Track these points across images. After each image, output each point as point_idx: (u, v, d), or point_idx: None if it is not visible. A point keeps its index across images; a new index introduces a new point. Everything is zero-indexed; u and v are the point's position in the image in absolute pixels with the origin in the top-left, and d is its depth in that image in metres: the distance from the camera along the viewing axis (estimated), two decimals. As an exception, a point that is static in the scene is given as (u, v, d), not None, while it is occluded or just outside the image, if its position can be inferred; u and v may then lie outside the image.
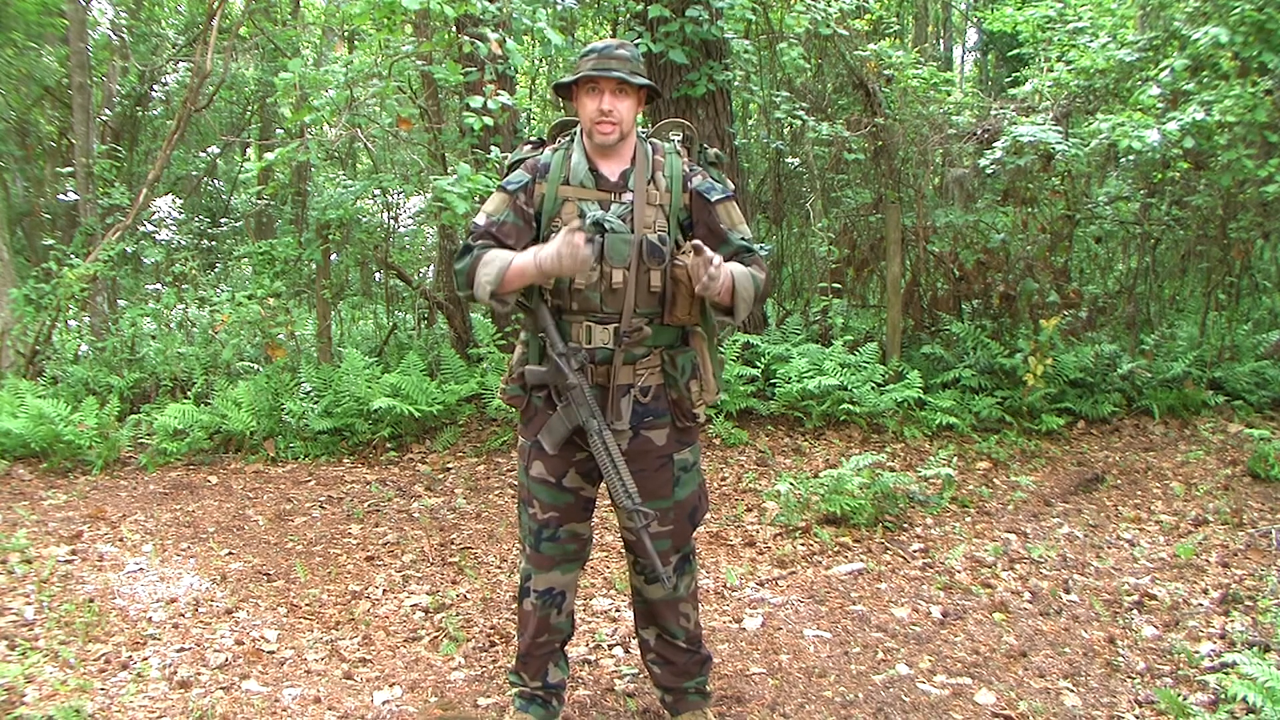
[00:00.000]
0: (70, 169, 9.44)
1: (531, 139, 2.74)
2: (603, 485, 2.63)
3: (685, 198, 2.54)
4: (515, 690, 2.81)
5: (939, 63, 12.22)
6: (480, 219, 2.56)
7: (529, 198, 2.53)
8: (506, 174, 2.65)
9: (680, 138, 2.65)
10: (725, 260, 2.50)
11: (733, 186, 2.71)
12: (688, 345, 2.60)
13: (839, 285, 7.01)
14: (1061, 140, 5.89)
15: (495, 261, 2.42)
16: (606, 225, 2.47)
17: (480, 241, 2.51)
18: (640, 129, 2.63)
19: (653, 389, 2.55)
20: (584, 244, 2.32)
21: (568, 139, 2.62)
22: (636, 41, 6.01)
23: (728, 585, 3.89)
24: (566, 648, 2.84)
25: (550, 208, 2.51)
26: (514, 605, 3.73)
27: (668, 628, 2.73)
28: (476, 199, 5.19)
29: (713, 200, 2.53)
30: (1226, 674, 2.94)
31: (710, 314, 2.62)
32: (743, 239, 2.55)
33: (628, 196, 2.51)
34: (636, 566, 2.70)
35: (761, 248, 2.72)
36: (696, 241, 2.35)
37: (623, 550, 4.23)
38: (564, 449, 2.54)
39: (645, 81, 2.49)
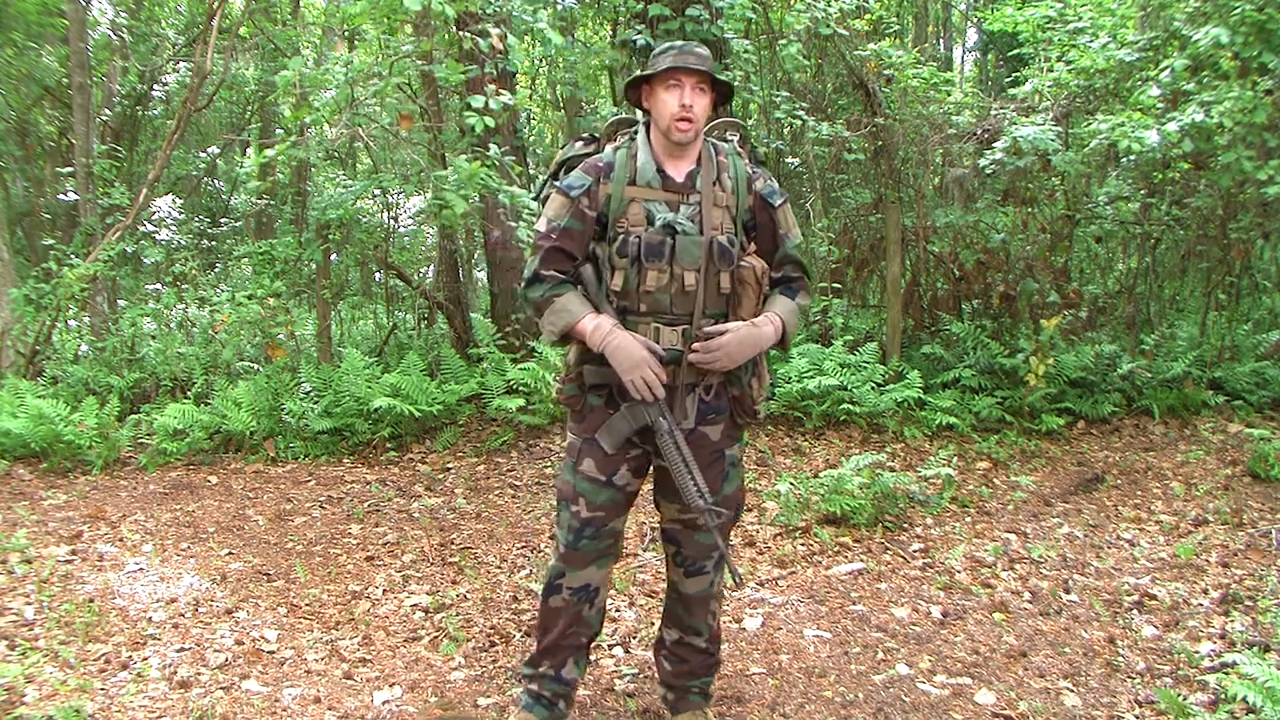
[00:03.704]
0: (70, 169, 9.43)
1: (584, 135, 2.73)
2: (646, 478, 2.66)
3: (750, 199, 2.57)
4: (522, 687, 2.78)
5: (939, 63, 12.22)
6: (542, 225, 2.53)
7: (591, 200, 2.50)
8: (556, 172, 2.63)
9: (737, 138, 2.66)
10: (774, 268, 2.60)
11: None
12: None
13: (839, 285, 7.01)
14: (1060, 149, 5.89)
15: (563, 314, 2.47)
16: (677, 227, 2.47)
17: (550, 271, 2.50)
18: None
19: (714, 386, 2.57)
20: (657, 383, 2.42)
21: (627, 137, 2.59)
22: (636, 37, 6.00)
23: (728, 585, 3.89)
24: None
25: (616, 208, 2.49)
26: (514, 605, 3.74)
27: (694, 626, 2.73)
28: (476, 196, 5.17)
29: (775, 205, 2.59)
30: (1226, 674, 2.94)
31: None
32: (795, 245, 2.62)
33: (694, 198, 2.50)
34: (676, 559, 2.70)
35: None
36: (708, 330, 2.46)
37: (623, 550, 4.23)
38: (620, 446, 2.55)
39: (729, 81, 2.53)
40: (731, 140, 2.64)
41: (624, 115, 2.73)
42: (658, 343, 2.48)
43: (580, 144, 2.68)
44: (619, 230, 2.48)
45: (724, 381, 2.57)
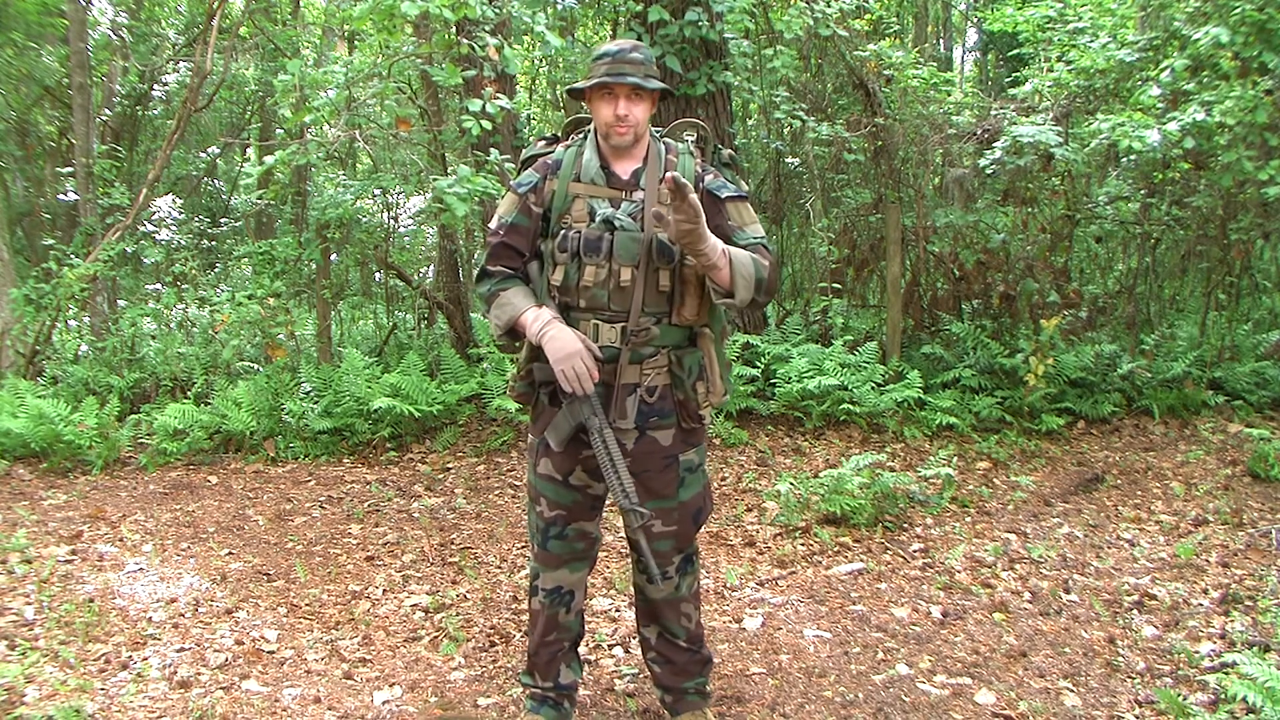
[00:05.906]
0: (70, 169, 9.43)
1: (546, 135, 2.75)
2: None
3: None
4: (526, 691, 2.81)
5: (939, 63, 12.23)
6: (494, 223, 2.60)
7: (538, 196, 2.55)
8: (520, 170, 2.66)
9: (694, 138, 2.64)
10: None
11: (747, 188, 2.70)
12: (695, 346, 2.59)
13: (839, 285, 7.01)
14: (1061, 144, 5.89)
15: (507, 308, 2.50)
16: (616, 223, 2.47)
17: (497, 267, 2.56)
18: (654, 128, 2.63)
19: (659, 389, 2.54)
20: (588, 375, 2.39)
21: (581, 136, 2.62)
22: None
23: (728, 585, 3.89)
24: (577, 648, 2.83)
25: (560, 204, 2.52)
26: (514, 605, 3.75)
27: (669, 627, 2.74)
28: (476, 201, 5.19)
29: (722, 197, 2.52)
30: (1226, 674, 2.94)
31: (719, 315, 2.62)
32: (754, 238, 2.52)
33: (639, 195, 2.50)
34: (639, 565, 2.70)
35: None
36: (672, 174, 2.20)
37: (623, 550, 4.24)
38: (571, 446, 2.54)
39: (660, 85, 2.49)
40: (687, 140, 2.63)
41: (582, 114, 2.73)
42: (596, 340, 2.48)
43: (542, 143, 2.70)
44: (562, 225, 2.51)
45: (669, 384, 2.55)
